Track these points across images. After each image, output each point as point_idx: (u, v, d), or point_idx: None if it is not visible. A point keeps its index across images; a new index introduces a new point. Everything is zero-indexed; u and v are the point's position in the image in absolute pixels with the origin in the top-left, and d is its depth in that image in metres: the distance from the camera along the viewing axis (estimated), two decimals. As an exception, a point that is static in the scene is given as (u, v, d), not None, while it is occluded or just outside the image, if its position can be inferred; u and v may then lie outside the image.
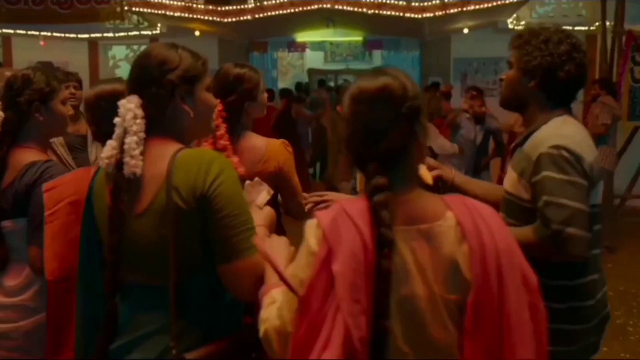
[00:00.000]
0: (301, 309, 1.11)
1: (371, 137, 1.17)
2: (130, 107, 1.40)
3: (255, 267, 1.36)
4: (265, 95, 2.40)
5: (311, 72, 14.01)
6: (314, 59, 13.80)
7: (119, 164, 1.40)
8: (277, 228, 2.45)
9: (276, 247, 1.37)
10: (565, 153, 1.64)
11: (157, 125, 1.44)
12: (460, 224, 1.15)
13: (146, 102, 1.42)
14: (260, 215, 1.59)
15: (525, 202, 1.72)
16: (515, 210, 1.76)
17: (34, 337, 2.01)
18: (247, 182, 1.76)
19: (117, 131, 1.41)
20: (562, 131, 1.72)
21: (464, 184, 2.11)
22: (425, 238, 1.14)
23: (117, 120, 1.41)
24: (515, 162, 1.79)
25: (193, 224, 1.36)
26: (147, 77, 1.44)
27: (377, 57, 12.52)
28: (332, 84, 14.56)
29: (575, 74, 1.75)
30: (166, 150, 1.41)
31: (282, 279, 1.17)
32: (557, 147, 1.65)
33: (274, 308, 1.20)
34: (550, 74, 1.75)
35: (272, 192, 1.81)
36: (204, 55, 1.54)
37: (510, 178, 1.79)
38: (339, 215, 1.14)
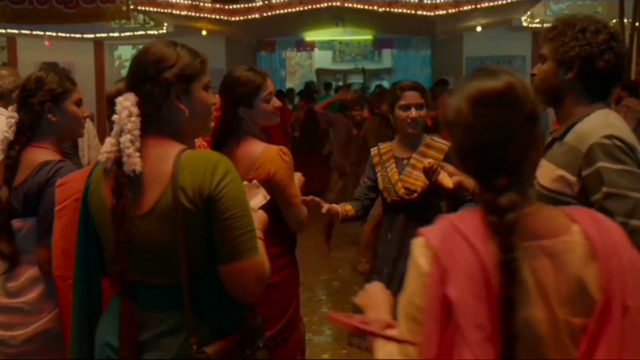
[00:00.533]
0: (424, 338, 1.04)
1: (498, 145, 1.06)
2: (126, 105, 1.41)
3: (256, 268, 1.41)
4: (272, 103, 2.29)
5: (319, 72, 13.83)
6: (322, 59, 13.61)
7: (119, 161, 1.40)
8: (288, 236, 2.34)
9: (373, 297, 1.32)
10: (619, 142, 1.60)
11: (153, 124, 1.44)
12: (589, 239, 1.05)
13: (142, 100, 1.43)
14: (254, 218, 1.55)
15: (567, 197, 1.67)
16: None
17: (34, 343, 2.03)
18: (245, 182, 1.71)
19: (115, 128, 1.42)
20: (610, 122, 1.68)
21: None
22: (548, 255, 1.05)
23: (114, 117, 1.42)
24: (554, 156, 1.73)
25: (200, 224, 1.38)
26: (144, 74, 1.44)
27: (387, 57, 12.31)
28: (340, 84, 14.41)
29: (614, 63, 1.72)
30: (168, 150, 1.42)
31: (390, 339, 1.11)
32: (609, 136, 1.60)
33: (394, 345, 1.12)
34: (590, 63, 1.71)
35: (268, 197, 1.81)
36: (204, 54, 1.55)
37: (548, 173, 1.71)
38: (449, 232, 1.07)
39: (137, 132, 1.40)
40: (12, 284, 2.07)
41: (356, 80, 14.18)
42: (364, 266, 5.13)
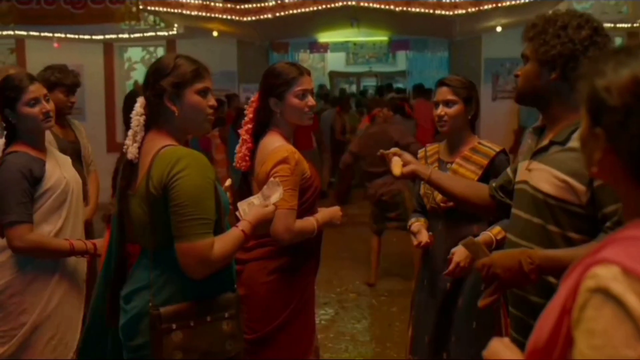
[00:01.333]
0: None
1: None
2: (136, 107, 1.80)
3: (196, 251, 1.66)
4: (305, 101, 2.25)
5: (333, 74, 13.57)
6: (335, 61, 13.36)
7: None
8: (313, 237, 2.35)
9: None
10: None
11: (154, 122, 1.80)
12: None
13: (147, 103, 1.80)
14: (252, 211, 1.88)
15: (574, 207, 1.58)
16: (558, 215, 1.62)
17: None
18: (270, 179, 2.04)
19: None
20: None
21: (440, 181, 2.04)
22: None
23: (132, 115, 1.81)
24: (559, 161, 1.63)
25: (162, 206, 1.70)
26: (147, 82, 1.81)
27: (402, 59, 12.05)
28: (354, 87, 14.14)
29: None
30: (156, 144, 1.76)
31: None
32: None
33: None
34: (573, 61, 1.62)
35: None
36: (205, 63, 1.84)
37: (550, 179, 1.62)
38: None
39: (139, 129, 1.78)
40: None
41: (370, 83, 13.93)
42: None
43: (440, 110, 2.49)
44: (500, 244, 2.18)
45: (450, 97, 2.48)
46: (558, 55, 1.63)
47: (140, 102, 1.80)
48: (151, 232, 1.74)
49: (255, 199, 1.96)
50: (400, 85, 12.38)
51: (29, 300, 2.35)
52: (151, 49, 10.10)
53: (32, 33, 9.27)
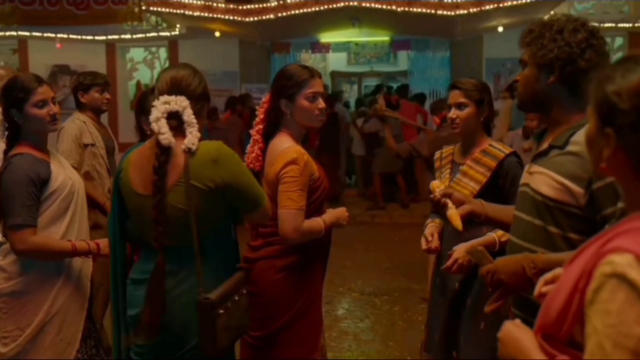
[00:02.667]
0: None
1: None
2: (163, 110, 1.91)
3: (268, 205, 2.02)
4: (316, 103, 2.30)
5: (334, 74, 13.57)
6: (336, 61, 13.35)
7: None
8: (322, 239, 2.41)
9: (514, 341, 1.20)
10: None
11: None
12: None
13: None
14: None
15: (573, 209, 1.61)
16: (558, 216, 1.64)
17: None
18: None
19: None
20: None
21: (496, 214, 2.03)
22: None
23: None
24: (558, 164, 1.65)
25: (211, 199, 1.86)
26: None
27: (404, 59, 12.03)
28: (355, 87, 14.15)
29: (596, 61, 1.64)
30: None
31: None
32: None
33: None
34: (570, 64, 1.64)
35: None
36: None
37: (549, 182, 1.64)
38: None
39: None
40: (2, 246, 2.39)
41: (371, 83, 13.93)
42: None
43: (453, 112, 2.52)
44: (504, 246, 2.20)
45: (462, 99, 2.50)
46: (555, 59, 1.65)
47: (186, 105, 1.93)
48: (195, 223, 1.85)
49: None
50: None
51: (34, 301, 2.36)
52: (153, 49, 10.13)
53: (34, 33, 9.30)
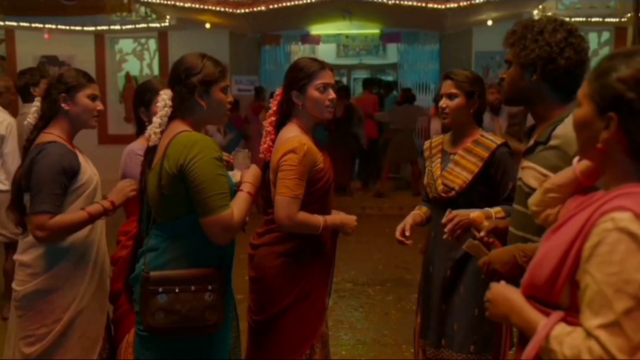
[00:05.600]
0: None
1: None
2: (164, 98, 2.01)
3: (220, 221, 1.91)
4: (326, 94, 2.35)
5: (323, 67, 13.59)
6: (325, 54, 13.33)
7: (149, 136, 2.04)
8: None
9: (503, 300, 1.32)
10: None
11: (179, 112, 2.02)
12: None
13: (175, 96, 2.02)
14: (247, 174, 2.17)
15: None
16: None
17: (26, 300, 2.38)
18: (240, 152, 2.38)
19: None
20: None
21: (506, 223, 2.02)
22: None
23: (157, 107, 2.04)
24: (542, 157, 1.75)
25: (174, 183, 1.92)
26: (177, 78, 2.02)
27: (393, 52, 12.06)
28: (344, 79, 14.17)
29: (576, 59, 1.76)
30: (175, 130, 1.98)
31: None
32: None
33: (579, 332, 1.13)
34: (551, 63, 1.76)
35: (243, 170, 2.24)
36: (225, 63, 2.10)
37: (537, 176, 1.73)
38: None
39: (165, 119, 2.01)
40: (24, 239, 2.44)
41: (360, 75, 13.95)
42: None
43: (443, 102, 2.57)
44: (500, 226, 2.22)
45: (453, 90, 2.54)
46: (537, 58, 1.77)
47: (167, 95, 2.00)
48: (161, 204, 1.95)
49: (231, 172, 2.19)
50: (390, 78, 12.44)
51: (62, 297, 2.38)
52: (142, 40, 10.04)
53: (22, 24, 9.17)
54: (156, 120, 1.99)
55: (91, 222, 2.37)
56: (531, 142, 1.84)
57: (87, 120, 2.47)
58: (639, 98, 1.15)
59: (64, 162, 2.32)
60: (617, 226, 1.10)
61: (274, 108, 2.45)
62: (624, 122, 1.17)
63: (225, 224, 1.91)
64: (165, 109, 1.99)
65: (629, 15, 8.37)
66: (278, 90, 2.47)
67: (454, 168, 2.54)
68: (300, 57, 2.63)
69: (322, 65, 2.38)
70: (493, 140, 2.55)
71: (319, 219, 2.34)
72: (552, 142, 1.74)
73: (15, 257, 2.47)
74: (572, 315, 1.16)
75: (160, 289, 1.91)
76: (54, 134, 2.39)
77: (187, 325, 1.93)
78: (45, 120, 2.42)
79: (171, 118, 2.01)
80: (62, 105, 2.40)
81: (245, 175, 2.14)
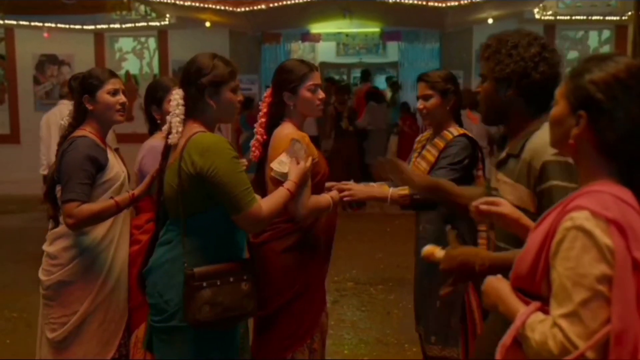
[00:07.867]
0: (621, 304, 1.16)
1: None
2: (176, 98, 2.08)
3: (251, 217, 2.02)
4: (316, 95, 2.45)
5: (323, 66, 13.55)
6: (325, 52, 13.32)
7: (168, 135, 2.10)
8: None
9: (493, 290, 1.44)
10: (571, 160, 1.57)
11: (191, 112, 2.09)
12: None
13: (186, 96, 2.08)
14: (293, 171, 2.25)
15: (531, 214, 1.67)
16: None
17: (51, 290, 2.52)
18: (292, 141, 2.34)
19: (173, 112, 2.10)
20: None
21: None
22: None
23: (171, 106, 2.12)
24: (512, 171, 1.77)
25: (193, 182, 1.99)
26: (188, 78, 2.09)
27: (393, 50, 12.04)
28: (344, 78, 14.14)
29: (549, 73, 1.77)
30: (191, 131, 2.06)
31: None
32: (562, 154, 1.61)
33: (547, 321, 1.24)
34: (526, 78, 1.76)
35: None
36: (236, 64, 2.15)
37: (511, 190, 1.76)
38: (617, 203, 1.23)
39: (182, 116, 2.07)
40: (51, 230, 2.56)
41: (360, 75, 13.95)
42: None
43: (420, 104, 2.70)
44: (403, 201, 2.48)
45: (427, 91, 2.66)
46: (512, 73, 1.76)
47: (179, 94, 2.06)
48: (180, 202, 2.02)
49: (282, 157, 2.28)
50: (391, 75, 12.44)
51: (80, 289, 2.49)
52: (142, 39, 10.03)
53: (21, 22, 9.15)
54: (175, 120, 2.05)
55: (118, 211, 2.48)
56: (503, 154, 1.86)
57: (111, 116, 2.55)
58: (607, 99, 1.27)
59: (91, 153, 2.43)
60: (574, 224, 1.21)
61: (264, 110, 2.52)
62: (594, 121, 1.28)
63: (253, 218, 2.02)
64: (180, 107, 2.05)
65: (629, 13, 8.36)
66: (266, 93, 2.56)
67: (419, 160, 2.69)
68: (288, 59, 2.78)
69: (311, 67, 2.47)
70: (452, 132, 2.67)
71: (326, 197, 2.44)
72: (524, 155, 1.75)
73: (43, 247, 2.58)
74: (548, 305, 1.28)
75: (204, 284, 1.98)
76: (85, 130, 2.52)
77: (230, 315, 2.03)
78: (78, 120, 2.55)
79: (185, 117, 2.08)
80: (87, 105, 2.52)
81: (292, 171, 2.23)
